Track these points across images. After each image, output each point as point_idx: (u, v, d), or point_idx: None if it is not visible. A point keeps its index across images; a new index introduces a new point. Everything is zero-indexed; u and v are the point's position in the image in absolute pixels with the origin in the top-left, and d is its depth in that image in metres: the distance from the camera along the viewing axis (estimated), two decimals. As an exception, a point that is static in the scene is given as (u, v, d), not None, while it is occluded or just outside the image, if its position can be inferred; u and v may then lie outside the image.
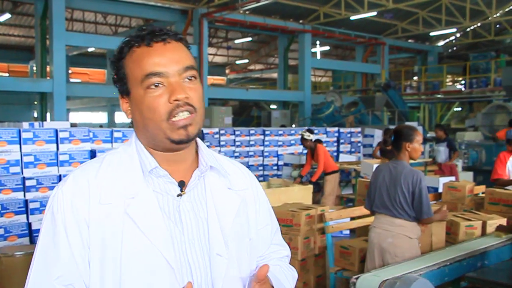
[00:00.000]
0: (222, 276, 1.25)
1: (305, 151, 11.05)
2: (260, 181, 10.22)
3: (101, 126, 21.98)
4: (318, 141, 8.32)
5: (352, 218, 4.93)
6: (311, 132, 8.16)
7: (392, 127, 11.06)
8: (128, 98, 1.29)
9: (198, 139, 1.34)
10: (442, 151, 8.95)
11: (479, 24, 22.80)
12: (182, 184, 1.28)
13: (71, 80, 24.67)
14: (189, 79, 1.25)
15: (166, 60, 1.24)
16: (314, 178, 7.94)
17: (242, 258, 1.31)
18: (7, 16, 20.49)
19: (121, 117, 28.87)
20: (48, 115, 16.35)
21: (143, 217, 1.20)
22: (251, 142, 10.57)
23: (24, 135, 4.27)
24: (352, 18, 19.88)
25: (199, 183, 1.31)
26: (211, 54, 29.37)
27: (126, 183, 1.23)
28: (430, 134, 13.53)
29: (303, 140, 8.17)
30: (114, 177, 1.24)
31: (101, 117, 31.57)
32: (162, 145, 1.26)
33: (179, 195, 1.27)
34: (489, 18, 21.44)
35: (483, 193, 5.23)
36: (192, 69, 1.26)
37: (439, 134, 9.46)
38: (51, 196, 1.25)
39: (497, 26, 23.46)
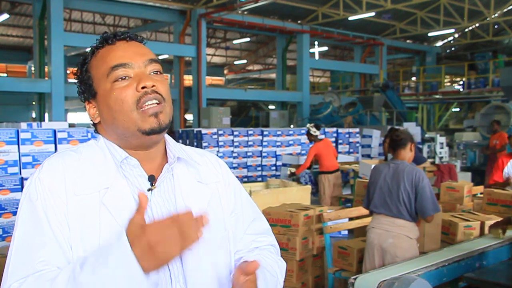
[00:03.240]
0: (193, 268, 1.24)
1: (303, 152, 11.07)
2: (258, 181, 10.22)
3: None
4: (323, 139, 8.31)
5: (351, 219, 4.93)
6: (318, 128, 8.16)
7: (390, 127, 11.06)
8: (94, 101, 1.29)
9: (166, 135, 1.34)
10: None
11: (477, 25, 22.82)
12: (152, 179, 1.28)
13: (70, 80, 24.60)
14: (154, 73, 1.27)
15: (131, 53, 1.25)
16: (298, 171, 8.12)
17: (217, 249, 1.31)
18: (5, 16, 20.45)
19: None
20: (46, 115, 16.32)
21: (117, 207, 1.20)
22: (250, 143, 10.57)
23: (22, 135, 4.25)
24: (350, 18, 19.88)
25: (168, 176, 1.31)
26: (209, 55, 29.36)
27: (101, 174, 1.23)
28: (429, 135, 13.55)
29: (308, 134, 8.20)
30: (88, 167, 1.24)
31: (99, 117, 31.49)
32: (133, 141, 1.26)
33: (149, 189, 1.26)
34: (487, 19, 21.45)
35: (481, 193, 5.23)
36: (156, 62, 1.28)
37: None
38: (27, 184, 1.22)
39: (495, 26, 23.48)
